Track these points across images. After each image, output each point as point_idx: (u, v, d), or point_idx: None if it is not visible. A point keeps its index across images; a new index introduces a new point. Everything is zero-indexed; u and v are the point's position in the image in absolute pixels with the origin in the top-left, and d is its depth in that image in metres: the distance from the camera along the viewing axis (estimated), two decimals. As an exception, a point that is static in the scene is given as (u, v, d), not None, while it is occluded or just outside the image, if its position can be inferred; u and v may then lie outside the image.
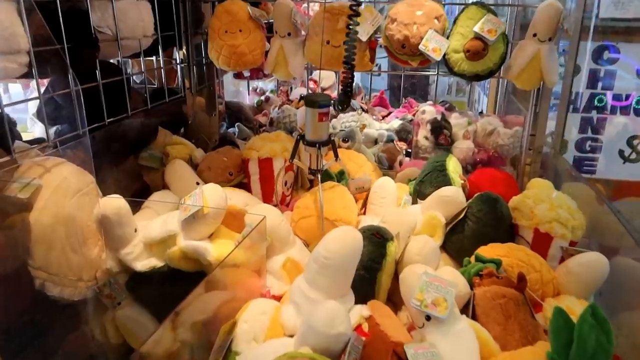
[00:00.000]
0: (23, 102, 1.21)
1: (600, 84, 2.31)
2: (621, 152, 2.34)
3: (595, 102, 2.33)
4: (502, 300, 0.94)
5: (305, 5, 1.99)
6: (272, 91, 2.28)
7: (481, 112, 2.49)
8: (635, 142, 2.35)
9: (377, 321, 0.87)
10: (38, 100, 1.16)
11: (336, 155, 1.35)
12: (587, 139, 2.40)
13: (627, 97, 2.31)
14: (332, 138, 1.33)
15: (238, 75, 1.97)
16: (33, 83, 1.48)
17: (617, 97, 2.32)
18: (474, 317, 0.95)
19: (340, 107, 1.33)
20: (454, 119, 1.97)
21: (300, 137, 1.33)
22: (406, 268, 0.96)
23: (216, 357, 0.84)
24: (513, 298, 0.94)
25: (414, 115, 2.00)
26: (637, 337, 0.95)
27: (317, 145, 1.29)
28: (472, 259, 1.09)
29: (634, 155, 2.36)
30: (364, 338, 0.84)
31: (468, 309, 0.97)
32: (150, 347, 0.74)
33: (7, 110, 1.07)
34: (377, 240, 1.03)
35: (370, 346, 0.83)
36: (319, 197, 1.25)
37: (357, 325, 0.88)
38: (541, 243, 1.18)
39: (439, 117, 1.91)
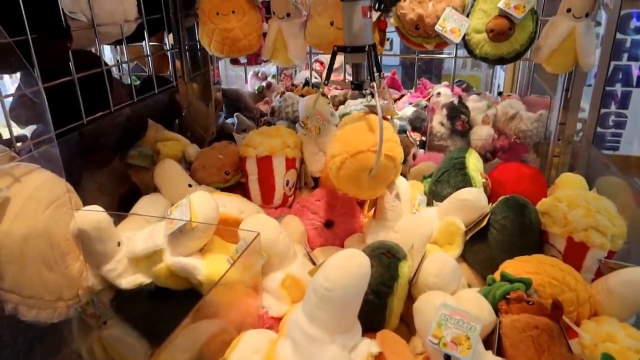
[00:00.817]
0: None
1: (625, 55, 2.14)
2: None
3: (620, 75, 2.16)
4: (534, 332, 0.80)
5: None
6: (273, 76, 2.12)
7: (501, 93, 2.30)
8: None
9: (386, 356, 0.75)
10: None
11: (379, 70, 1.14)
12: (610, 113, 2.25)
13: None
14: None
15: (234, 61, 1.82)
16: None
17: None
18: (499, 350, 0.82)
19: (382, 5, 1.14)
20: (472, 102, 1.81)
21: (339, 48, 1.10)
22: (422, 296, 0.82)
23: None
24: (547, 329, 0.80)
25: (428, 100, 1.83)
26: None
27: (367, 48, 1.06)
28: (497, 275, 0.95)
29: None
30: (372, 384, 0.71)
31: (493, 338, 0.84)
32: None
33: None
34: (387, 260, 0.89)
35: (379, 395, 0.70)
36: (378, 124, 0.99)
37: (364, 365, 0.75)
38: (575, 253, 1.03)
39: (455, 101, 1.74)
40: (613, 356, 0.63)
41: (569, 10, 1.20)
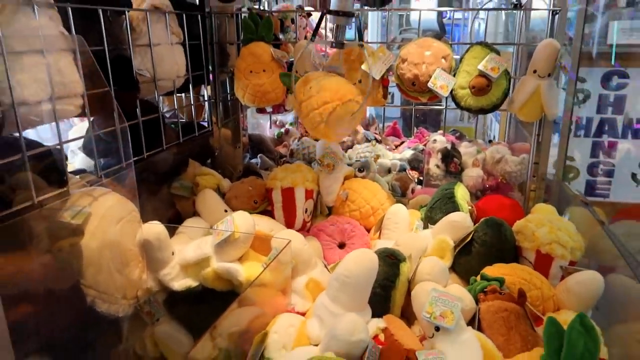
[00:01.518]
0: (78, 139, 1.35)
1: (610, 109, 2.39)
2: (634, 176, 2.39)
3: (606, 127, 2.41)
4: (505, 313, 1.04)
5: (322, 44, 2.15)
6: (291, 124, 2.43)
7: (490, 141, 2.60)
8: None
9: (392, 332, 0.98)
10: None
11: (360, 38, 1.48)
12: (598, 163, 2.46)
13: (639, 120, 2.38)
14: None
15: (261, 110, 2.12)
16: (75, 120, 1.63)
17: (628, 121, 2.39)
18: (479, 329, 1.06)
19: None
20: (464, 147, 2.08)
21: (329, 11, 1.40)
22: (417, 285, 1.07)
23: (250, 364, 0.95)
24: (514, 312, 1.04)
25: (425, 144, 2.12)
26: (629, 347, 1.04)
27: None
28: (479, 277, 1.20)
29: None
30: (380, 346, 0.95)
31: (474, 322, 1.08)
32: (197, 352, 0.86)
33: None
34: (391, 261, 1.14)
35: (386, 353, 0.94)
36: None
37: (374, 336, 0.99)
38: (543, 263, 1.28)
39: (449, 146, 2.02)
40: (555, 318, 0.86)
41: (535, 71, 1.50)
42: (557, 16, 1.53)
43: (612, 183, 2.44)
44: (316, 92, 1.37)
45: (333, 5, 1.39)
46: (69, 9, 1.11)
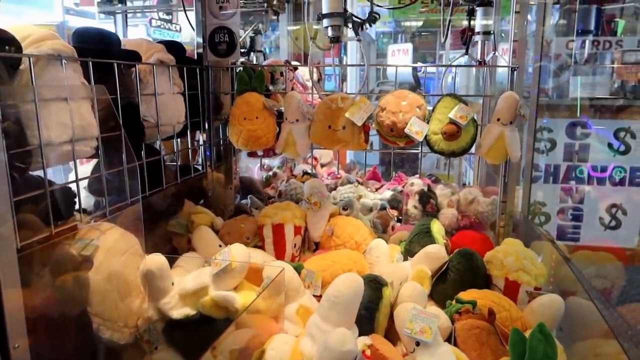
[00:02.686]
0: (88, 178, 1.46)
1: (576, 157, 2.58)
2: (601, 220, 2.55)
3: (574, 174, 2.59)
4: (477, 330, 1.17)
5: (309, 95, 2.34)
6: (278, 167, 2.58)
7: (464, 184, 2.78)
8: (613, 210, 2.58)
9: (377, 347, 1.10)
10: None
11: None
12: (568, 208, 2.63)
13: (604, 168, 2.58)
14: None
15: (252, 154, 2.27)
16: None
17: (594, 169, 2.58)
18: (455, 345, 1.18)
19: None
20: (439, 189, 2.25)
21: (324, 15, 1.63)
22: (399, 306, 1.20)
23: (250, 377, 1.05)
24: (485, 329, 1.17)
25: (403, 187, 2.28)
26: (587, 360, 1.17)
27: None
28: (454, 302, 1.33)
29: (613, 223, 2.57)
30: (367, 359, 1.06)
31: (451, 339, 1.20)
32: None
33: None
34: (374, 285, 1.27)
35: (372, 365, 1.05)
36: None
37: (361, 351, 1.10)
38: (511, 289, 1.42)
39: (425, 189, 2.19)
40: (519, 329, 0.99)
41: (498, 119, 1.69)
42: (515, 72, 1.75)
43: (580, 227, 2.61)
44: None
45: (326, 9, 1.59)
46: (90, 63, 1.26)
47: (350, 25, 1.68)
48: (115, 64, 1.39)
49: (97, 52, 1.36)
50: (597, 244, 2.45)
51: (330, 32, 1.66)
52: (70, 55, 1.21)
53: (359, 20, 1.69)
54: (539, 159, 2.52)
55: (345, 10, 1.67)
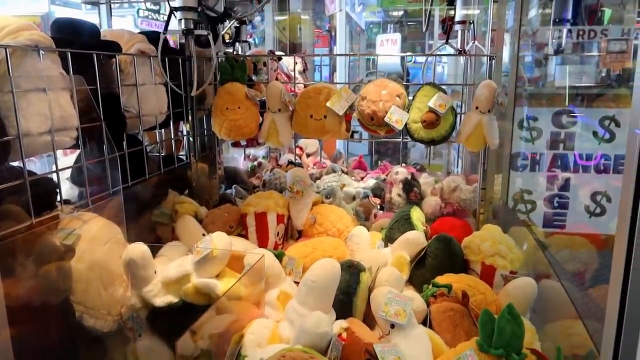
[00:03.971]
0: (70, 167, 1.47)
1: (562, 145, 2.64)
2: (587, 207, 2.58)
3: (560, 162, 2.65)
4: (451, 312, 1.20)
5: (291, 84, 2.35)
6: (263, 157, 2.60)
7: (449, 173, 2.82)
8: (598, 197, 2.62)
9: (353, 330, 1.13)
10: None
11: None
12: (555, 195, 2.67)
13: (589, 156, 2.61)
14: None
15: (235, 144, 2.28)
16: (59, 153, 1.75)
17: (580, 157, 2.60)
18: (430, 328, 1.21)
19: None
20: (423, 178, 2.27)
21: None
22: (376, 290, 1.23)
23: (229, 360, 1.08)
24: (459, 311, 1.21)
25: (387, 175, 2.31)
26: (559, 341, 1.20)
27: None
28: (430, 286, 1.36)
29: (598, 210, 2.60)
30: (343, 342, 1.09)
31: (426, 322, 1.23)
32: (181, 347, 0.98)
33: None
34: (352, 270, 1.29)
35: (348, 347, 1.08)
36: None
37: (338, 334, 1.13)
38: (488, 274, 1.46)
39: (409, 177, 2.21)
40: (489, 309, 1.02)
41: (477, 108, 1.72)
42: (493, 61, 1.77)
43: (567, 214, 2.65)
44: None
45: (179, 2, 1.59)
46: (69, 53, 1.27)
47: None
48: (95, 55, 1.40)
49: (75, 42, 1.37)
50: (582, 231, 2.48)
51: (184, 25, 1.65)
52: (48, 46, 1.22)
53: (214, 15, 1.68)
54: (525, 147, 2.55)
55: (200, 3, 1.67)
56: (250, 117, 1.83)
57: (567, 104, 2.59)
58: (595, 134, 2.59)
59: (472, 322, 1.21)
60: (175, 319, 1.42)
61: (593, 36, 2.89)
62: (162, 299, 1.42)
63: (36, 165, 1.65)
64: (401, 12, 6.80)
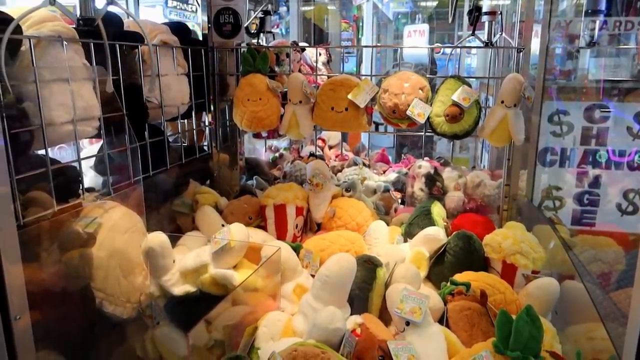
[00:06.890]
0: (92, 157, 1.50)
1: (594, 140, 2.56)
2: (618, 205, 2.50)
3: (591, 158, 2.57)
4: (468, 312, 1.18)
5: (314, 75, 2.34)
6: (285, 149, 2.60)
7: (474, 167, 2.76)
8: (631, 195, 2.53)
9: (367, 326, 1.12)
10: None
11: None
12: (584, 192, 2.60)
13: (622, 152, 2.53)
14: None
15: (257, 135, 2.28)
16: (85, 142, 1.78)
17: (612, 153, 2.52)
18: (447, 326, 1.19)
19: None
20: (447, 172, 2.23)
21: None
22: (391, 286, 1.21)
23: (242, 352, 1.08)
24: (477, 310, 1.18)
25: (409, 169, 2.27)
26: (581, 344, 1.17)
27: None
28: (449, 284, 1.34)
29: (630, 208, 2.52)
30: (357, 337, 1.08)
31: (443, 320, 1.21)
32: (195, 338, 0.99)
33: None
34: (368, 266, 1.28)
35: (361, 343, 1.07)
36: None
37: (352, 330, 1.12)
38: (508, 272, 1.42)
39: (432, 171, 2.18)
40: (506, 310, 1.00)
41: (502, 102, 1.67)
42: (521, 53, 1.72)
43: (597, 212, 2.57)
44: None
45: None
46: (91, 44, 1.28)
47: None
48: (117, 46, 1.41)
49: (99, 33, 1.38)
50: (613, 230, 2.40)
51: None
52: (72, 37, 1.23)
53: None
54: (555, 142, 2.48)
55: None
56: (271, 109, 1.83)
57: (600, 97, 2.50)
58: (629, 129, 2.51)
59: (490, 322, 1.19)
60: (193, 308, 1.44)
61: (630, 28, 2.78)
62: (180, 288, 1.44)
63: (67, 153, 1.69)
64: (430, 3, 6.68)
